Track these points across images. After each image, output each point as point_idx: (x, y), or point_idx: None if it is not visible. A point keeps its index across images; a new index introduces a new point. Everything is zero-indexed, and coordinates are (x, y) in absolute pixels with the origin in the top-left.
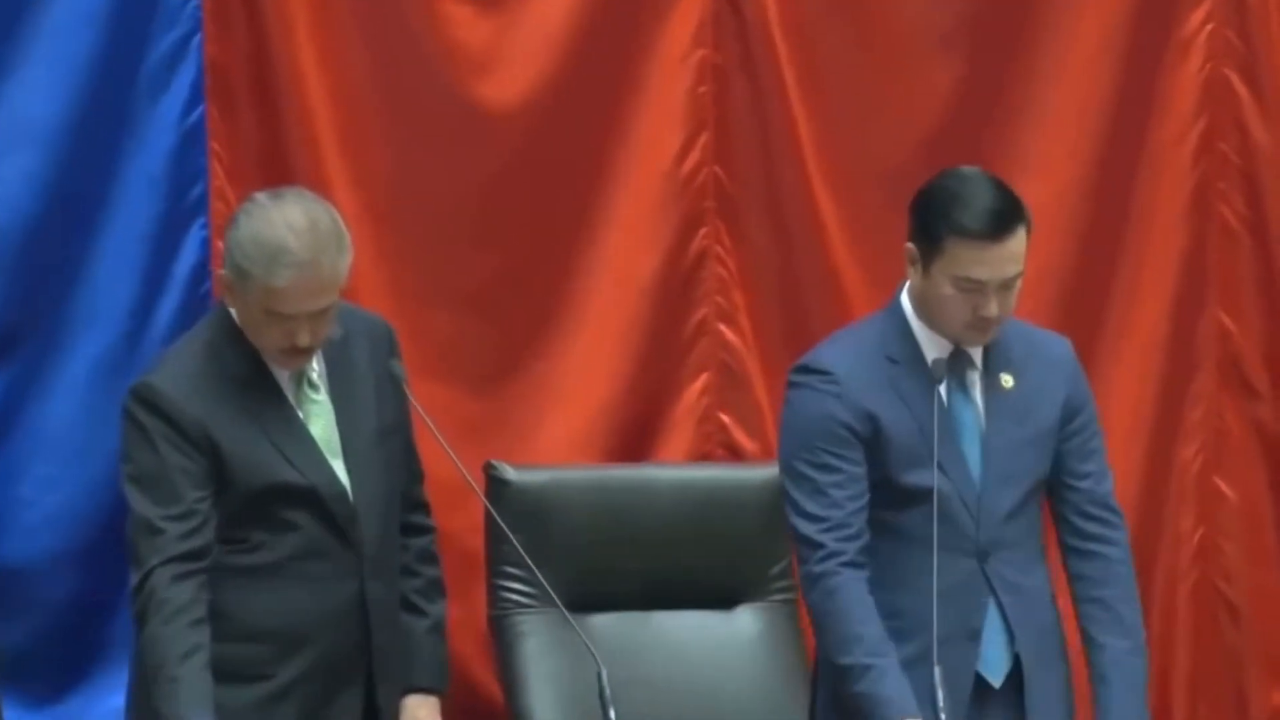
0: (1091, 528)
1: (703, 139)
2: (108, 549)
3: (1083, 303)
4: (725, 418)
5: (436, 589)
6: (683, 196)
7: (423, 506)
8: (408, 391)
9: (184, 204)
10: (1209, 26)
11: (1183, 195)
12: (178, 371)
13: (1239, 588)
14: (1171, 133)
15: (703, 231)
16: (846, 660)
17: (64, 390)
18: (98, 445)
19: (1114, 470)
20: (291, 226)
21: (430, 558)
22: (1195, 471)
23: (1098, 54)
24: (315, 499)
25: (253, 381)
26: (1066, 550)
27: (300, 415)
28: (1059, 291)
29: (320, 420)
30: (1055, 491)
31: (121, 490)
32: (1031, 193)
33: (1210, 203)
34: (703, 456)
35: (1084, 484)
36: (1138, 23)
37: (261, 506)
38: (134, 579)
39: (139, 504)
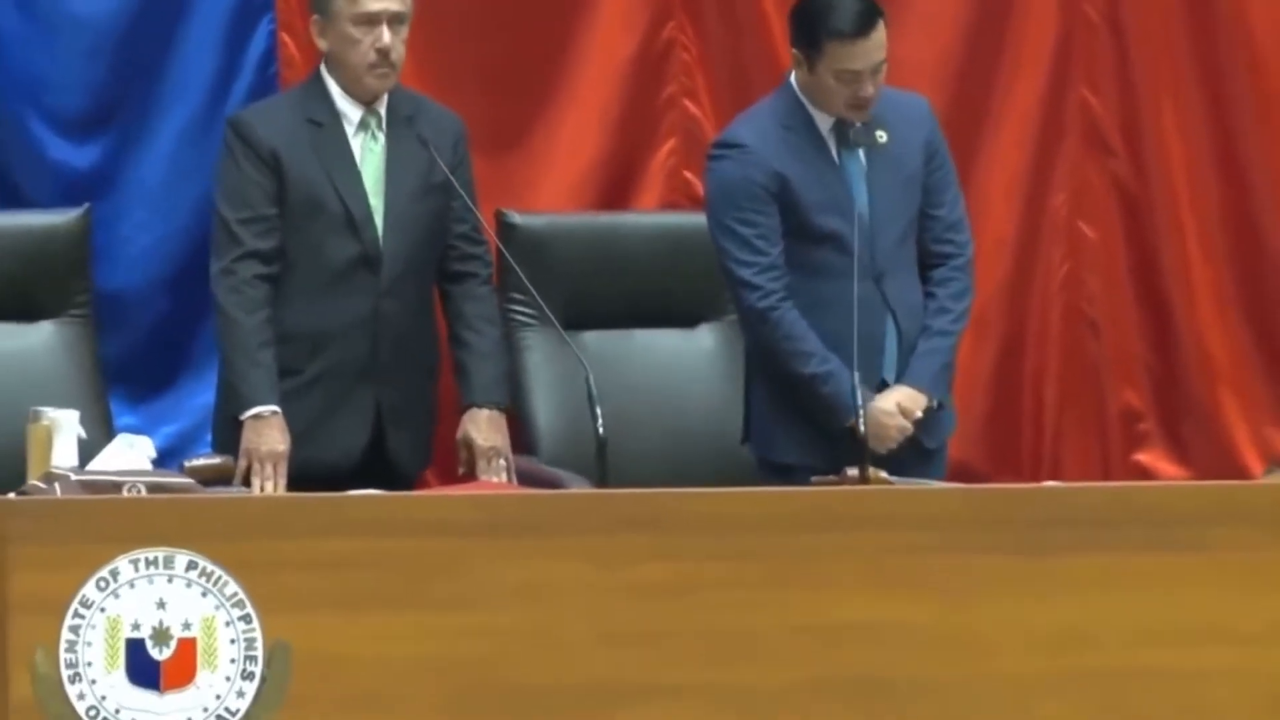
0: (944, 248)
1: None
2: (190, 280)
3: (972, 83)
4: (688, 174)
5: (484, 319)
6: None
7: (475, 257)
8: (468, 159)
9: (255, 1)
10: None
11: None
12: (265, 107)
13: (1098, 309)
14: None
15: (670, 24)
16: (808, 370)
17: (155, 151)
18: (182, 196)
19: (990, 220)
20: None
21: (473, 296)
22: (1063, 217)
23: None
24: (347, 221)
25: (325, 125)
26: (923, 266)
27: (356, 157)
28: (953, 73)
29: (371, 164)
30: (919, 221)
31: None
32: None
33: (1076, 4)
34: (670, 205)
35: (940, 211)
36: None
37: (302, 225)
38: (215, 266)
39: (222, 208)
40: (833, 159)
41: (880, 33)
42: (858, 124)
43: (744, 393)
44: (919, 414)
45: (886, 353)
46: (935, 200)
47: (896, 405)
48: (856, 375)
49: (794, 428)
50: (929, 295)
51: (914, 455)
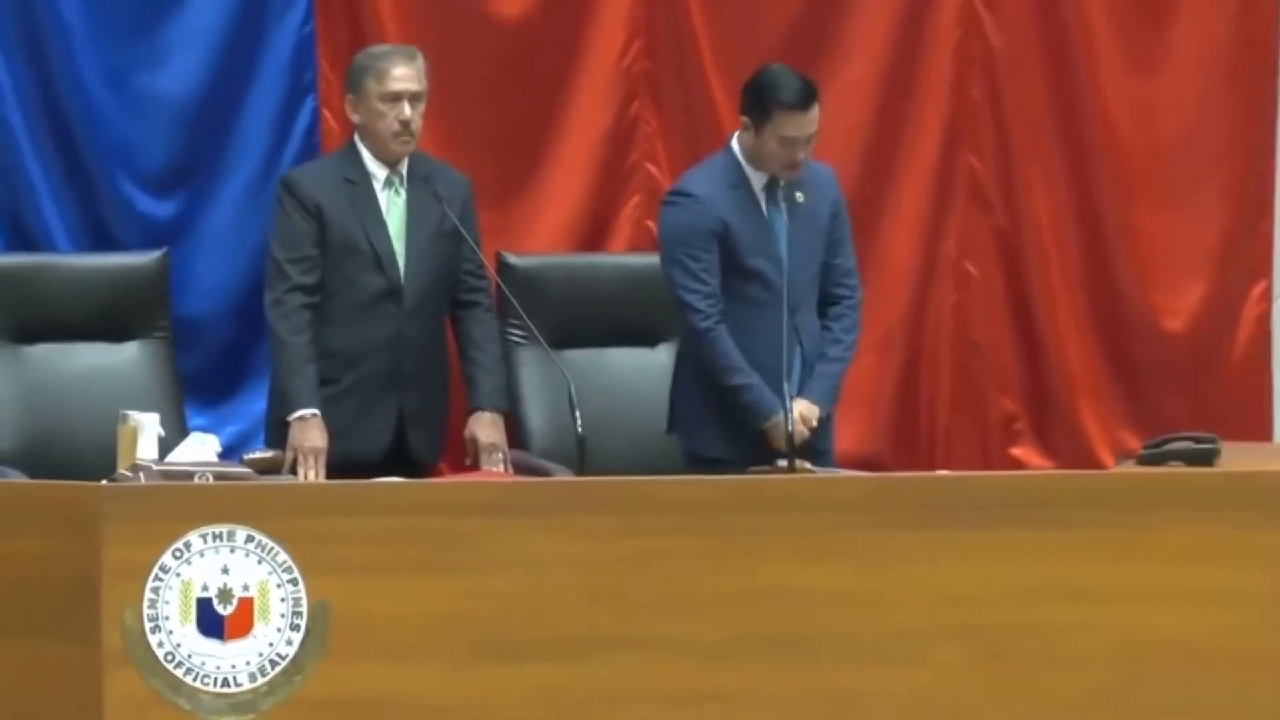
0: (840, 291)
1: (636, 44)
2: (249, 308)
3: (879, 148)
4: (650, 224)
5: (487, 339)
6: (625, 80)
7: (479, 289)
8: (472, 211)
9: (301, 84)
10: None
11: (944, 82)
12: (310, 168)
13: (980, 333)
14: (936, 38)
15: (636, 102)
16: (734, 381)
17: (223, 204)
18: (244, 241)
19: (895, 259)
20: (393, 45)
21: (478, 321)
22: (953, 258)
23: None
24: (375, 261)
25: (358, 183)
26: (822, 304)
27: (382, 208)
28: (864, 140)
29: (395, 214)
30: (821, 268)
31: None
32: (849, 79)
33: (964, 89)
34: (635, 248)
35: (839, 260)
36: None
37: (339, 263)
38: (268, 297)
39: (275, 250)
40: (763, 212)
41: (816, 110)
42: (783, 185)
43: (671, 389)
44: (814, 423)
45: (794, 372)
46: (835, 251)
47: (798, 414)
48: (786, 386)
49: (719, 427)
50: (825, 328)
51: (810, 454)
